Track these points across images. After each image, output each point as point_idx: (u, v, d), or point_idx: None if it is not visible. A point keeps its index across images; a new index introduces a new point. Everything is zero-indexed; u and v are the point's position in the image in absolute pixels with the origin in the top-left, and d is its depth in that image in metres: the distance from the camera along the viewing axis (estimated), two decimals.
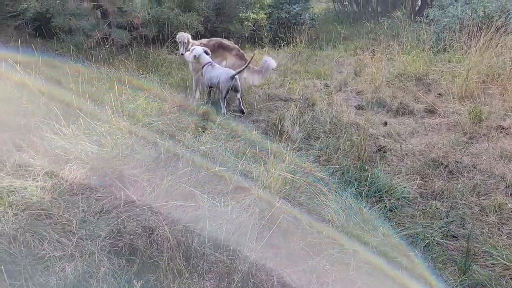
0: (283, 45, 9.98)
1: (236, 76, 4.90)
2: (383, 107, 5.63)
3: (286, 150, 3.48)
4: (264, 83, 6.66)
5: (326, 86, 7.06)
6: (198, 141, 3.73)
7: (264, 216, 2.69)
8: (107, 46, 7.53)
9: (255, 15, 10.36)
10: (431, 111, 5.39)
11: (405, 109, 5.45)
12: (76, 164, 3.34)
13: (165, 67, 7.01)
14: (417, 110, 5.43)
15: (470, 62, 6.34)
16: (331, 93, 6.21)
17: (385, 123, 5.04)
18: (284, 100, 5.87)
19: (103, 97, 4.70)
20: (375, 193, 3.21)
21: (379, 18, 13.88)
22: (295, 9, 11.30)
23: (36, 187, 3.04)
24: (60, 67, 6.49)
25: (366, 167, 3.60)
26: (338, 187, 3.18)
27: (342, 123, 4.69)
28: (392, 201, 3.11)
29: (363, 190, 3.20)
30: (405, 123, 5.04)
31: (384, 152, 4.08)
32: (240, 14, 10.11)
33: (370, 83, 6.67)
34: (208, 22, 9.59)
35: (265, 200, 2.85)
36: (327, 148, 3.92)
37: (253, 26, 10.50)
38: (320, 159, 3.73)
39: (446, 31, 9.55)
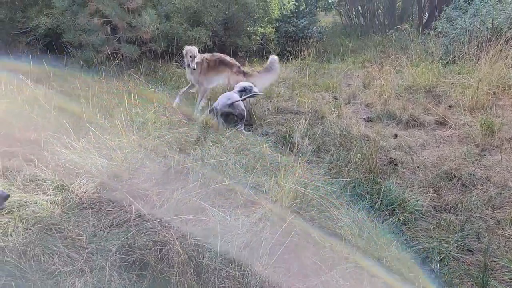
0: (291, 59, 10.03)
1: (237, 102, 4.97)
2: (393, 120, 5.59)
3: (297, 163, 3.44)
4: (273, 96, 6.67)
5: (335, 98, 7.05)
6: (208, 154, 3.72)
7: (276, 230, 2.65)
8: (117, 61, 7.61)
9: (262, 29, 10.43)
10: (441, 123, 5.34)
11: (415, 121, 5.40)
12: (86, 178, 3.34)
13: (173, 81, 7.06)
14: (427, 122, 5.38)
15: (480, 73, 6.30)
16: (340, 106, 6.18)
17: (396, 136, 4.99)
18: (293, 113, 5.86)
19: (113, 111, 4.73)
20: (387, 206, 3.16)
21: (387, 31, 13.94)
22: (302, 23, 11.38)
23: (47, 201, 3.04)
24: (71, 82, 6.58)
25: (378, 180, 3.55)
26: (349, 200, 3.14)
27: (352, 136, 4.65)
28: (405, 214, 3.05)
29: (375, 203, 3.15)
30: (415, 135, 4.99)
31: (395, 164, 4.03)
32: (248, 28, 10.19)
33: (379, 96, 6.64)
34: (216, 37, 9.68)
35: (276, 214, 2.82)
36: (337, 161, 3.87)
37: (261, 40, 10.58)
38: (331, 172, 3.69)
39: (455, 43, 9.54)
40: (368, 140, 4.62)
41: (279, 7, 11.21)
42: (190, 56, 5.64)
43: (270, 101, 6.38)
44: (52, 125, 4.27)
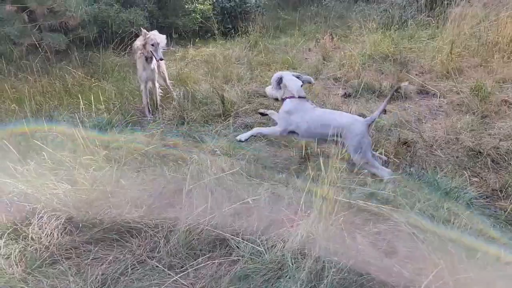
0: (235, 36, 9.32)
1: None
2: (373, 93, 5.17)
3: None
4: (233, 79, 5.97)
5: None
6: (202, 164, 2.96)
7: None
8: (42, 54, 6.40)
9: (202, 6, 9.53)
10: (426, 92, 5.01)
11: (398, 92, 5.01)
12: (47, 215, 2.48)
13: (117, 72, 6.06)
14: (410, 92, 5.02)
15: (448, 36, 6.06)
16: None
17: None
18: (264, 97, 5.21)
19: (58, 117, 3.78)
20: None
21: (322, 0, 13.65)
22: None
23: None
24: None
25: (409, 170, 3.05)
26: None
27: None
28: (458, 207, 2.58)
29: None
30: (405, 107, 4.61)
31: (407, 146, 3.58)
32: (187, 6, 9.24)
33: (346, 68, 6.20)
34: (152, 18, 8.64)
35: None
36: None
37: (200, 18, 9.69)
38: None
39: (395, 7, 9.46)
40: None
41: None
42: (153, 44, 4.36)
43: (233, 85, 5.68)
44: None
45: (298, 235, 2.19)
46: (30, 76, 5.87)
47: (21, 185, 2.65)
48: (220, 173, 2.63)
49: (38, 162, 2.91)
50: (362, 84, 5.39)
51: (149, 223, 2.38)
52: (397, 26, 8.29)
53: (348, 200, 2.25)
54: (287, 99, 3.29)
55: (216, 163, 2.86)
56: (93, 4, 7.37)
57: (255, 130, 3.31)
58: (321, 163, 2.35)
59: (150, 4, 8.48)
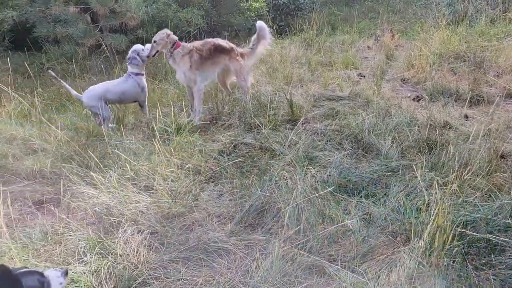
0: (289, 34, 9.11)
1: None
2: (449, 96, 4.81)
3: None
4: (295, 80, 5.77)
5: (361, 76, 6.22)
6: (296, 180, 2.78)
7: None
8: (105, 54, 6.48)
9: (256, 3, 9.38)
10: (509, 96, 4.61)
11: (479, 96, 4.64)
12: (131, 229, 2.41)
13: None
14: (492, 96, 4.62)
15: None
16: (379, 85, 5.35)
17: (466, 117, 4.23)
18: (331, 100, 4.98)
19: (132, 123, 3.74)
20: None
21: None
22: None
23: (88, 274, 2.11)
24: (57, 85, 5.48)
25: None
26: None
27: (434, 125, 3.75)
28: None
29: None
30: (490, 113, 4.23)
31: (505, 159, 3.24)
32: (242, 4, 9.11)
33: (416, 69, 5.85)
34: (208, 17, 8.59)
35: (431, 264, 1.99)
36: (458, 170, 2.69)
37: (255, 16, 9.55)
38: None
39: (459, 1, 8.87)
40: (449, 127, 3.80)
41: None
42: (155, 41, 4.38)
43: (295, 87, 5.48)
44: (59, 150, 3.26)
45: (404, 264, 1.98)
46: (93, 77, 5.95)
47: (104, 196, 2.60)
48: (309, 189, 2.45)
49: (116, 170, 2.85)
50: (435, 87, 5.06)
51: (237, 243, 2.24)
52: (467, 21, 7.75)
53: (462, 230, 2.01)
54: None
55: (299, 177, 2.68)
56: (152, 4, 7.39)
57: None
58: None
59: (205, 3, 8.42)
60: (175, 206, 2.56)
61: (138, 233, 2.40)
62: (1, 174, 3.13)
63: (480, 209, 2.29)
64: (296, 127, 3.92)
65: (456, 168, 2.57)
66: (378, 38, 8.23)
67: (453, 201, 2.35)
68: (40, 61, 6.36)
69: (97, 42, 6.86)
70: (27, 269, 1.66)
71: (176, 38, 4.50)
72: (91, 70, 6.14)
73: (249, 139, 3.69)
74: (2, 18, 6.68)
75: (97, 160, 2.88)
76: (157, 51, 4.44)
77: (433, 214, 2.12)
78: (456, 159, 2.68)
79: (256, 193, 2.50)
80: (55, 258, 2.23)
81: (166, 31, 4.45)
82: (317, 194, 2.37)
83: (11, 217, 2.47)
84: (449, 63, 6.00)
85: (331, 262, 2.08)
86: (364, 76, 6.20)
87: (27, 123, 3.86)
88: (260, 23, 4.92)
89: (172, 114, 3.80)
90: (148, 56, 4.47)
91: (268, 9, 9.77)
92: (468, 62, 5.84)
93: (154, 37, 4.43)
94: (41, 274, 1.65)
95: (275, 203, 2.47)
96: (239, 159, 3.10)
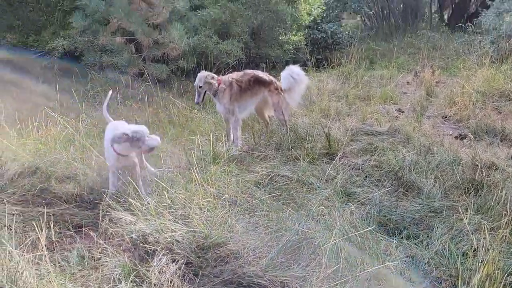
0: (327, 67, 9.15)
1: None
2: (494, 136, 4.64)
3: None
4: (331, 114, 5.74)
5: (400, 111, 6.12)
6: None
7: None
8: (146, 83, 6.69)
9: (295, 37, 9.52)
10: None
11: None
12: (166, 258, 2.39)
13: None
14: None
15: None
16: (420, 122, 5.23)
17: None
18: (369, 134, 4.90)
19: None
20: None
21: (417, 31, 13.18)
22: (331, 28, 10.51)
23: None
24: (98, 109, 5.67)
25: None
26: None
27: (477, 165, 3.60)
28: None
29: None
30: None
31: None
32: (280, 38, 9.27)
33: (458, 106, 5.69)
34: (247, 49, 8.77)
35: None
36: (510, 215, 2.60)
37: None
38: None
39: (504, 39, 8.64)
40: (495, 168, 3.63)
41: (308, 12, 10.35)
42: (200, 86, 4.37)
43: (333, 120, 5.44)
44: (99, 175, 3.33)
45: None
46: (135, 104, 6.13)
47: (141, 223, 2.61)
48: (349, 227, 2.37)
49: (154, 197, 2.88)
50: (478, 125, 4.89)
51: (273, 279, 2.18)
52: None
53: None
54: None
55: (338, 214, 2.61)
56: (194, 36, 7.63)
57: None
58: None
59: (245, 36, 8.62)
60: (210, 236, 2.53)
61: (172, 263, 2.38)
62: (44, 197, 3.21)
63: None
64: (333, 161, 3.85)
65: (509, 213, 2.42)
66: (418, 74, 8.12)
67: (503, 248, 2.21)
68: (85, 88, 6.62)
69: (140, 71, 7.11)
70: None
71: (215, 75, 4.52)
72: (132, 98, 6.34)
73: (286, 171, 3.65)
74: (53, 46, 7.05)
75: (136, 186, 2.92)
76: (205, 93, 4.44)
77: (481, 261, 2.00)
78: (508, 203, 2.54)
79: (293, 227, 2.45)
80: (91, 284, 2.23)
81: (206, 73, 4.45)
82: (356, 233, 2.29)
83: (52, 240, 2.51)
84: (493, 102, 5.84)
85: None
86: (403, 112, 6.10)
87: (71, 147, 3.97)
88: (286, 72, 4.86)
89: (210, 143, 3.85)
90: (197, 103, 4.52)
91: (306, 43, 9.88)
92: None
93: (197, 82, 4.40)
94: None
95: (313, 239, 2.39)
96: (276, 192, 3.05)
